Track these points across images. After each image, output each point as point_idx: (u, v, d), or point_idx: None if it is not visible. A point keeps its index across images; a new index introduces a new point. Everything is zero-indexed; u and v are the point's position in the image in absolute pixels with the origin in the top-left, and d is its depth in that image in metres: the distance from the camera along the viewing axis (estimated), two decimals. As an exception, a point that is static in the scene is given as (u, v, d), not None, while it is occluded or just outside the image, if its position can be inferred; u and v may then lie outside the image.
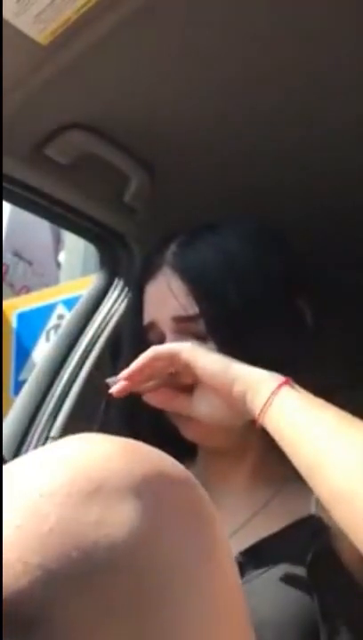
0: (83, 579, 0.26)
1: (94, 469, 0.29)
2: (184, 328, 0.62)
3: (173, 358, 0.58)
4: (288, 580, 0.53)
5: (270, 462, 0.64)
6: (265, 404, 0.52)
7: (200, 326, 0.61)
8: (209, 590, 0.30)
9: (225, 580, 0.32)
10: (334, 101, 0.73)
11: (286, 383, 0.53)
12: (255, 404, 0.53)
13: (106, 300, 0.99)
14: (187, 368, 0.57)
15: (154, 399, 0.61)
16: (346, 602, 0.51)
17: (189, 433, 0.64)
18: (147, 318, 0.67)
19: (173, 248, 0.66)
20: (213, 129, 0.78)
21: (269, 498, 0.63)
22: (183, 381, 0.60)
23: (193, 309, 0.62)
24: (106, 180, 0.85)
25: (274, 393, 0.52)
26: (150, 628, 0.27)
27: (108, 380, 0.61)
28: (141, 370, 0.59)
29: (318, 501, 0.60)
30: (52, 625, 0.25)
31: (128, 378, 0.59)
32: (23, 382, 0.96)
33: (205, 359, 0.57)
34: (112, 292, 0.99)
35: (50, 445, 0.33)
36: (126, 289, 0.99)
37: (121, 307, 0.97)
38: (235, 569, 0.34)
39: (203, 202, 0.86)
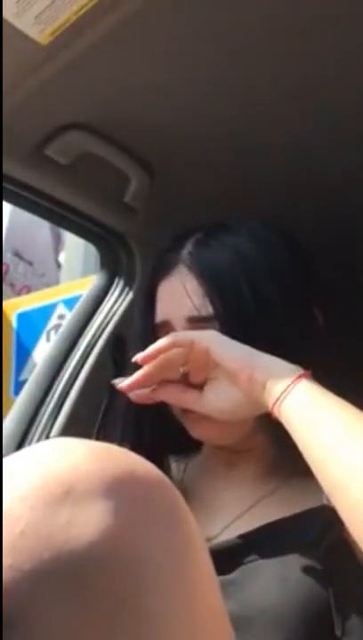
0: (55, 579, 0.27)
1: (65, 472, 0.30)
2: (198, 328, 0.62)
3: (193, 344, 0.57)
4: (297, 565, 0.53)
5: (279, 459, 0.65)
6: (284, 392, 0.52)
7: (215, 327, 0.61)
8: (184, 588, 0.31)
9: (200, 578, 0.33)
10: (334, 101, 0.73)
11: (306, 376, 0.53)
12: (274, 391, 0.53)
13: (106, 299, 0.99)
14: (205, 356, 0.57)
15: (164, 394, 0.61)
16: (359, 595, 0.52)
17: (197, 432, 0.64)
18: (159, 317, 0.66)
19: (188, 247, 0.66)
20: (212, 129, 0.78)
21: (276, 486, 0.63)
22: (194, 380, 0.59)
23: (207, 310, 0.62)
24: (106, 179, 0.85)
25: (294, 382, 0.52)
26: (125, 627, 0.28)
27: (115, 382, 0.60)
28: (157, 354, 0.58)
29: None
30: (26, 626, 0.26)
31: (143, 361, 0.58)
32: (23, 382, 0.96)
33: (227, 344, 0.57)
34: (112, 292, 0.99)
35: (26, 449, 0.34)
36: (127, 289, 0.99)
37: (121, 307, 0.97)
38: (211, 568, 0.35)
39: (203, 201, 0.86)
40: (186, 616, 0.31)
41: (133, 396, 0.60)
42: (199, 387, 0.60)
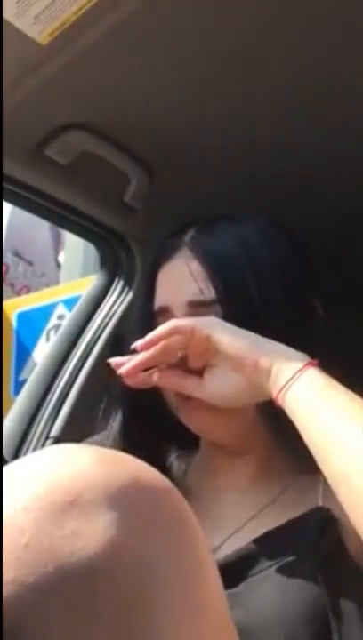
0: (60, 591, 0.27)
1: (70, 482, 0.30)
2: (199, 314, 0.61)
3: (193, 331, 0.56)
4: (297, 572, 0.53)
5: (277, 459, 0.64)
6: (291, 379, 0.51)
7: (216, 312, 0.61)
8: (191, 597, 0.30)
9: (207, 585, 0.32)
10: (334, 101, 0.73)
11: (313, 364, 0.52)
12: (280, 378, 0.52)
13: (106, 299, 0.99)
14: (205, 343, 0.56)
15: (163, 379, 0.60)
16: (358, 598, 0.51)
17: (194, 422, 0.63)
18: (158, 303, 0.65)
19: (191, 233, 0.66)
20: (212, 129, 0.78)
21: (277, 493, 0.62)
22: (193, 365, 0.59)
23: (210, 294, 0.61)
24: (106, 179, 0.85)
25: (301, 370, 0.52)
26: (131, 637, 0.27)
27: (112, 360, 0.59)
28: (157, 341, 0.56)
29: (324, 493, 0.60)
30: (30, 638, 0.26)
31: (143, 348, 0.56)
32: (23, 382, 0.96)
33: (229, 331, 0.56)
34: (112, 292, 0.99)
35: (30, 457, 0.33)
36: (127, 289, 0.99)
37: (121, 307, 0.97)
38: (217, 576, 0.34)
39: (203, 201, 0.86)
40: (192, 624, 0.30)
41: (130, 380, 0.59)
42: (198, 373, 0.59)
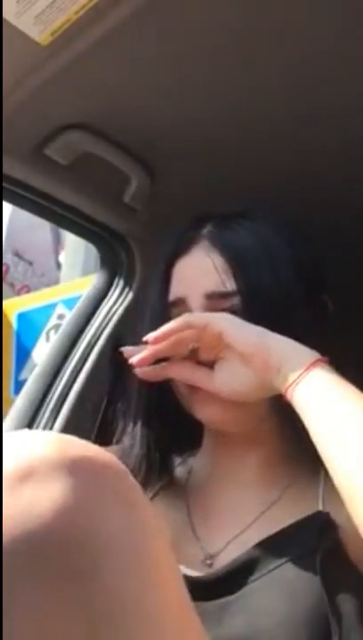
0: (19, 557, 0.29)
1: (27, 459, 0.32)
2: (215, 306, 0.61)
3: (206, 326, 0.56)
4: (297, 577, 0.53)
5: (280, 459, 0.65)
6: (300, 375, 0.52)
7: (233, 305, 0.61)
8: (140, 563, 0.33)
9: (156, 554, 0.34)
10: (334, 102, 0.73)
11: (322, 361, 0.53)
12: (289, 375, 0.53)
13: (106, 299, 0.99)
14: (217, 338, 0.56)
15: (174, 371, 0.60)
16: (357, 601, 0.51)
17: (204, 412, 0.62)
18: (174, 295, 0.65)
19: (209, 227, 0.66)
20: (212, 129, 0.78)
21: (276, 497, 0.62)
22: (204, 357, 0.59)
23: (231, 285, 0.61)
24: (106, 180, 0.85)
25: (310, 368, 0.52)
26: (83, 600, 0.30)
27: (124, 349, 0.59)
28: (170, 334, 0.57)
29: (324, 497, 0.60)
30: None
31: (155, 341, 0.57)
32: (23, 382, 0.96)
33: (241, 327, 0.56)
34: (112, 292, 0.99)
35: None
36: (127, 289, 0.99)
37: (121, 307, 0.97)
38: (168, 548, 0.36)
39: (203, 201, 0.86)
40: (143, 589, 0.32)
41: (140, 373, 0.59)
42: (209, 365, 0.59)
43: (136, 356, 0.58)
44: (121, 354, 0.60)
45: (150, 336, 0.57)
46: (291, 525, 0.57)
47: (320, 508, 0.59)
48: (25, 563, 0.29)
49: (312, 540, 0.54)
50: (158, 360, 0.60)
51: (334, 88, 0.70)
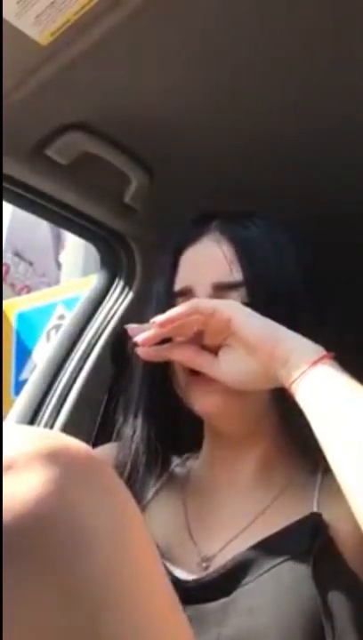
0: (6, 547, 0.29)
1: (7, 452, 0.33)
2: (221, 296, 0.61)
3: (214, 313, 0.56)
4: (291, 578, 0.53)
5: (277, 458, 0.65)
6: (305, 370, 0.52)
7: (239, 297, 0.61)
8: (118, 549, 0.33)
9: (133, 540, 0.35)
10: (334, 102, 0.73)
11: (328, 357, 0.53)
12: (295, 368, 0.53)
13: (106, 299, 0.99)
14: (225, 325, 0.56)
15: (178, 353, 0.60)
16: (350, 601, 0.51)
17: (204, 402, 0.62)
18: (180, 284, 0.65)
19: (216, 222, 0.67)
20: (212, 129, 0.78)
21: (272, 499, 0.62)
22: (208, 342, 0.59)
23: (239, 275, 0.62)
24: (106, 180, 0.85)
25: (316, 363, 0.52)
26: (63, 586, 0.30)
27: (129, 327, 0.58)
28: (177, 319, 0.56)
29: (319, 498, 0.60)
30: None
31: (162, 325, 0.56)
32: (23, 382, 0.96)
33: (250, 317, 0.56)
34: (112, 292, 0.99)
35: None
36: (127, 289, 0.99)
37: (121, 307, 0.97)
38: (146, 533, 0.37)
39: (203, 201, 0.86)
40: (123, 571, 0.33)
41: (143, 353, 0.59)
42: (213, 351, 0.59)
43: (141, 334, 0.57)
44: (126, 332, 0.59)
45: (158, 319, 0.56)
46: (285, 527, 0.57)
47: (315, 509, 0.59)
48: (9, 552, 0.30)
49: (306, 542, 0.54)
50: (162, 341, 0.59)
51: (336, 88, 0.70)
